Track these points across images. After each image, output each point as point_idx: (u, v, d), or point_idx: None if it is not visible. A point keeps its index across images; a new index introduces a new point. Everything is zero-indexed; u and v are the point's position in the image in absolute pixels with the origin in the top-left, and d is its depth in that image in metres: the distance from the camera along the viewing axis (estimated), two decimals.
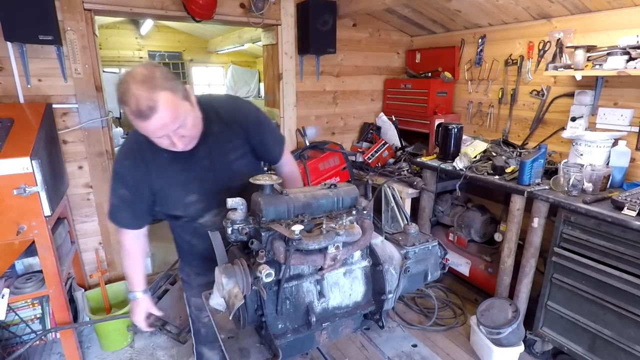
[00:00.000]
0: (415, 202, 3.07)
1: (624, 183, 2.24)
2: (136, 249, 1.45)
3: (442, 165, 2.78)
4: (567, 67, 2.35)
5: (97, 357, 2.42)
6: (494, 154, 2.74)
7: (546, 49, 2.66)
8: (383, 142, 3.37)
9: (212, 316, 1.21)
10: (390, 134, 3.60)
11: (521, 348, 2.25)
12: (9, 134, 1.91)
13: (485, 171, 2.56)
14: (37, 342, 2.17)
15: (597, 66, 2.22)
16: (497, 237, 2.75)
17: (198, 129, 1.23)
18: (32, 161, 1.81)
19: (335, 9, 3.05)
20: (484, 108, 3.23)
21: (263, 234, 0.98)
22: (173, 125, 1.11)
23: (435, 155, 2.99)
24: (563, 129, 2.60)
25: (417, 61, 3.72)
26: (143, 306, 1.52)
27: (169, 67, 7.59)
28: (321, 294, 1.10)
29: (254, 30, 4.72)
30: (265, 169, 1.73)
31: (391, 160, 3.39)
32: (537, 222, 2.25)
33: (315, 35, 3.01)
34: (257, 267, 0.94)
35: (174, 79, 1.12)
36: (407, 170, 3.16)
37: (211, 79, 8.43)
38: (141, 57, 7.35)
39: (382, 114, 3.78)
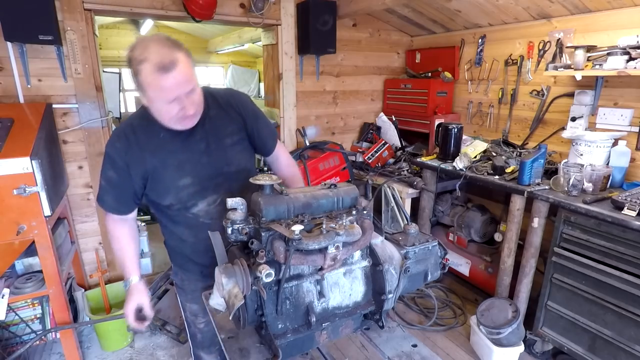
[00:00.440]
0: (415, 202, 3.07)
1: (624, 183, 2.24)
2: (123, 233, 1.40)
3: (442, 165, 2.78)
4: (567, 67, 2.35)
5: (97, 357, 2.42)
6: (494, 154, 2.74)
7: (546, 49, 2.66)
8: (383, 142, 3.37)
9: (212, 316, 1.21)
10: (390, 134, 3.60)
11: (521, 348, 2.25)
12: (9, 134, 1.91)
13: (485, 171, 2.56)
14: (37, 342, 2.17)
15: (597, 66, 2.22)
16: (497, 237, 2.75)
17: (201, 106, 1.25)
18: (32, 161, 1.81)
19: (335, 9, 3.05)
20: (484, 108, 3.23)
21: (263, 234, 0.98)
22: (187, 86, 1.14)
23: (435, 155, 2.99)
24: (563, 129, 2.60)
25: (417, 61, 3.72)
26: (135, 296, 1.39)
27: None
28: (321, 294, 1.10)
29: (254, 30, 4.72)
30: (265, 168, 1.73)
31: (391, 160, 3.39)
32: (537, 222, 2.25)
33: (315, 35, 3.01)
34: (257, 267, 0.94)
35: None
36: (407, 170, 3.16)
37: (211, 79, 8.43)
38: None
39: (382, 114, 3.78)
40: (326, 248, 0.99)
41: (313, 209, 1.10)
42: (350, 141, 3.79)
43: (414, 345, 1.38)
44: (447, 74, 3.28)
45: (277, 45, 3.18)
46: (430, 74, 3.50)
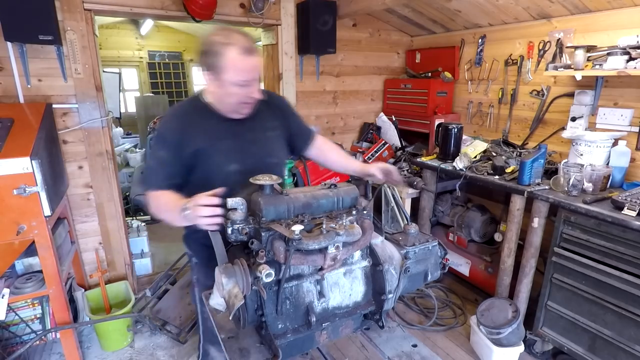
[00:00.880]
0: (415, 202, 3.07)
1: (624, 183, 2.24)
2: (169, 195, 1.31)
3: (442, 165, 2.78)
4: (567, 67, 2.35)
5: (97, 357, 2.42)
6: (494, 154, 2.74)
7: (546, 49, 2.66)
8: (383, 142, 3.37)
9: (212, 316, 1.21)
10: (390, 134, 3.60)
11: (521, 348, 2.25)
12: (9, 134, 1.91)
13: (485, 171, 2.56)
14: (37, 342, 2.17)
15: (597, 66, 2.22)
16: (497, 237, 2.75)
17: (260, 97, 1.37)
18: (32, 161, 1.81)
19: (335, 9, 3.05)
20: (484, 108, 3.23)
21: (263, 234, 0.99)
22: (260, 72, 1.31)
23: (435, 155, 2.99)
24: (563, 129, 2.60)
25: (417, 61, 3.72)
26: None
27: (169, 67, 7.60)
28: (321, 294, 1.11)
29: (254, 30, 4.71)
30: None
31: (391, 160, 3.39)
32: (537, 222, 2.25)
33: (315, 35, 3.01)
34: (257, 267, 0.94)
35: None
36: (407, 170, 3.16)
37: None
38: (141, 57, 7.36)
39: (382, 114, 3.78)
40: (326, 248, 0.99)
41: (313, 209, 1.10)
42: (350, 141, 3.79)
43: (414, 345, 1.38)
44: (447, 74, 3.28)
45: (277, 45, 3.18)
46: (430, 74, 3.50)
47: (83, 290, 2.56)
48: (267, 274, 0.92)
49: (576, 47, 2.28)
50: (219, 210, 1.01)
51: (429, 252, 1.28)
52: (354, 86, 3.66)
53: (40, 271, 2.03)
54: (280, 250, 0.96)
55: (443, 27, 3.39)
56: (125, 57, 7.21)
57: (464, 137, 2.91)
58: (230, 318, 0.95)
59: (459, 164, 2.68)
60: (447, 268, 1.36)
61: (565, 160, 2.40)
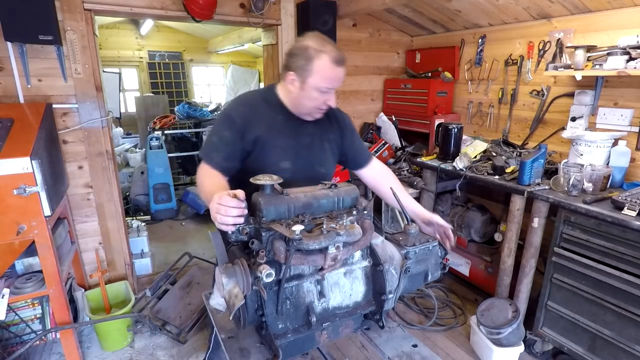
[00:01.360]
0: None
1: (624, 183, 2.24)
2: (218, 179, 1.33)
3: (442, 165, 2.78)
4: (567, 67, 2.35)
5: (97, 357, 2.42)
6: (494, 154, 2.74)
7: (546, 49, 2.66)
8: (383, 142, 3.37)
9: (212, 316, 1.21)
10: (390, 134, 3.60)
11: (521, 348, 2.25)
12: (9, 134, 1.91)
13: (485, 171, 2.56)
14: (37, 342, 2.17)
15: (597, 66, 2.22)
16: (497, 237, 2.75)
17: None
18: (32, 161, 1.81)
19: (335, 9, 3.05)
20: (484, 108, 3.23)
21: (263, 234, 0.98)
22: (341, 83, 1.38)
23: (435, 155, 2.99)
24: (563, 129, 2.60)
25: (417, 61, 3.72)
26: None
27: (169, 67, 7.60)
28: (321, 294, 1.10)
29: (254, 30, 4.72)
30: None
31: (391, 160, 3.39)
32: (537, 222, 2.25)
33: None
34: (258, 267, 0.94)
35: None
36: (407, 170, 3.16)
37: (211, 79, 8.43)
38: (141, 57, 7.36)
39: (382, 114, 3.78)
40: (327, 248, 0.99)
41: (313, 209, 1.10)
42: None
43: (414, 345, 1.38)
44: (447, 74, 3.28)
45: (277, 45, 3.18)
46: (430, 74, 3.50)
47: (83, 290, 2.56)
48: (267, 274, 0.92)
49: (576, 47, 2.28)
50: (235, 212, 0.97)
51: (429, 252, 1.28)
52: (354, 86, 3.66)
53: (40, 271, 2.03)
54: (280, 250, 0.96)
55: (443, 27, 3.39)
56: (125, 57, 7.21)
57: (464, 137, 2.91)
58: (231, 318, 0.95)
59: (459, 164, 2.68)
60: (447, 268, 1.36)
61: (565, 160, 2.40)
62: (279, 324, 1.05)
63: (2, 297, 1.87)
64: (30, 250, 2.01)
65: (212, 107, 7.04)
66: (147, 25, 6.66)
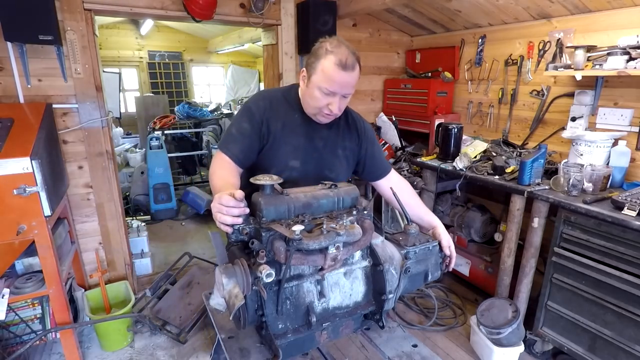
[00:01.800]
0: None
1: (624, 183, 2.24)
2: (231, 172, 1.33)
3: (442, 165, 2.78)
4: (567, 67, 2.35)
5: (97, 357, 2.42)
6: (494, 154, 2.74)
7: (546, 49, 2.66)
8: (383, 142, 3.37)
9: (212, 316, 1.21)
10: (390, 134, 3.60)
11: (521, 348, 2.25)
12: (9, 134, 1.91)
13: (485, 171, 2.56)
14: (37, 342, 2.17)
15: (597, 66, 2.22)
16: (497, 237, 2.75)
17: (341, 114, 1.44)
18: (32, 161, 1.81)
19: (335, 9, 3.05)
20: (484, 108, 3.23)
21: (263, 234, 0.98)
22: (350, 89, 1.35)
23: (435, 155, 2.99)
24: (563, 129, 2.60)
25: (417, 61, 3.72)
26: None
27: (169, 67, 7.60)
28: (321, 294, 1.11)
29: (254, 30, 4.72)
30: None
31: (391, 160, 3.39)
32: (537, 222, 2.25)
33: (315, 35, 2.96)
34: (258, 267, 0.94)
35: None
36: (407, 170, 3.16)
37: (211, 79, 8.43)
38: (141, 57, 7.36)
39: (382, 114, 3.78)
40: (327, 248, 0.99)
41: (313, 209, 1.10)
42: None
43: (414, 346, 1.38)
44: (447, 74, 3.28)
45: (277, 45, 3.18)
46: (430, 74, 3.50)
47: (83, 290, 2.56)
48: (267, 274, 0.92)
49: (576, 47, 2.28)
50: (235, 212, 0.98)
51: (429, 252, 1.28)
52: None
53: (40, 271, 2.03)
54: (280, 251, 0.96)
55: (443, 27, 3.39)
56: (125, 57, 7.21)
57: (464, 137, 2.91)
58: (231, 318, 0.95)
59: (459, 164, 2.68)
60: (446, 268, 1.36)
61: (565, 160, 2.40)
62: (279, 324, 1.05)
63: (2, 297, 1.87)
64: (30, 250, 2.01)
65: (212, 107, 7.05)
66: (147, 25, 6.66)
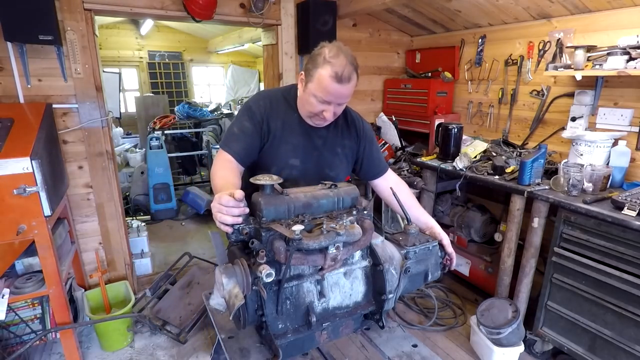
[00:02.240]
0: None
1: (624, 183, 2.24)
2: (233, 171, 1.33)
3: (442, 165, 2.78)
4: (567, 67, 2.35)
5: (97, 357, 2.42)
6: (494, 154, 2.74)
7: (546, 49, 2.66)
8: (383, 142, 3.37)
9: (212, 316, 1.21)
10: (390, 134, 3.60)
11: (521, 348, 2.25)
12: (9, 134, 1.91)
13: (485, 171, 2.56)
14: (37, 342, 2.17)
15: (597, 66, 2.22)
16: (497, 237, 2.75)
17: (334, 118, 1.44)
18: (32, 161, 1.81)
19: (335, 9, 3.05)
20: (484, 108, 3.23)
21: (263, 234, 0.98)
22: (345, 100, 1.36)
23: (435, 155, 2.99)
24: (563, 129, 2.60)
25: (417, 61, 3.72)
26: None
27: (169, 67, 7.60)
28: (321, 294, 1.11)
29: (254, 30, 4.72)
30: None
31: (391, 160, 3.39)
32: (537, 222, 2.25)
33: (315, 35, 3.00)
34: (258, 267, 0.94)
35: None
36: (407, 170, 3.16)
37: (211, 79, 8.43)
38: (141, 57, 7.36)
39: (382, 114, 3.78)
40: (327, 248, 0.99)
41: (313, 209, 1.10)
42: None
43: (414, 346, 1.38)
44: (447, 74, 3.28)
45: (277, 45, 3.18)
46: (430, 74, 3.50)
47: (83, 290, 2.56)
48: (267, 274, 0.92)
49: (576, 47, 2.28)
50: (235, 212, 0.98)
51: (429, 252, 1.28)
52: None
53: (40, 271, 2.03)
54: (280, 250, 0.96)
55: (443, 27, 3.39)
56: (125, 57, 7.21)
57: (464, 137, 2.91)
58: (231, 318, 0.95)
59: (459, 164, 2.68)
60: (447, 268, 1.36)
61: (565, 160, 2.40)
62: (279, 324, 1.05)
63: (2, 297, 1.87)
64: (30, 250, 2.01)
65: (212, 107, 7.05)
66: (147, 25, 6.66)
